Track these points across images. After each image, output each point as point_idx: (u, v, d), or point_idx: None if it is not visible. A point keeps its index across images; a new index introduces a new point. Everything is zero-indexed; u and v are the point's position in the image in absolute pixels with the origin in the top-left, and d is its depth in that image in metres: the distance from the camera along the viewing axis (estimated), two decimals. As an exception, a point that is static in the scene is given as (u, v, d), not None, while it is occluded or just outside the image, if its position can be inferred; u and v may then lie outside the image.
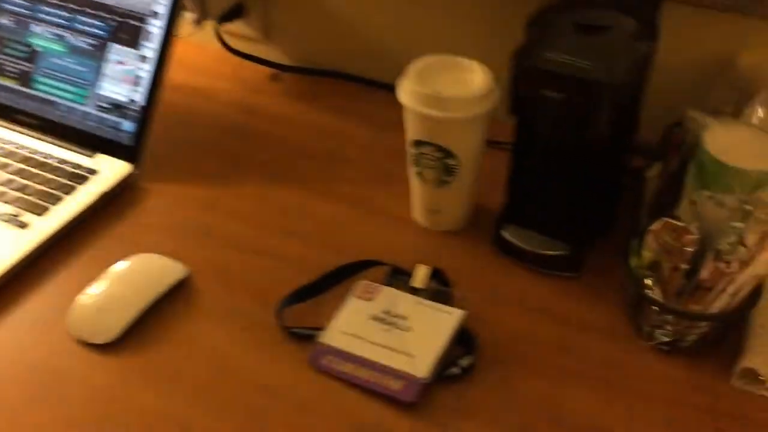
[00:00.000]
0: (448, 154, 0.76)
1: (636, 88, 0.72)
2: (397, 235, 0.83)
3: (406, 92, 0.75)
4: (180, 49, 0.91)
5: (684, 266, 0.66)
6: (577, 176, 0.76)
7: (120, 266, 0.75)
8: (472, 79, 0.76)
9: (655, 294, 0.68)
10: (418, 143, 0.77)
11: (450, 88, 0.74)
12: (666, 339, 0.70)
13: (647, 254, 0.68)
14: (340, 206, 0.86)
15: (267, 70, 1.08)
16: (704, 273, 0.65)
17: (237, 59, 1.08)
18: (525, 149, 0.77)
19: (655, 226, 0.66)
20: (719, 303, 0.66)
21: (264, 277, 0.77)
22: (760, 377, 0.66)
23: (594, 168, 0.75)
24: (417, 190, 0.82)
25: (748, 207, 0.66)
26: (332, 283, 0.75)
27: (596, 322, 0.73)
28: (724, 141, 0.70)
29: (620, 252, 0.72)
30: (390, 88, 0.80)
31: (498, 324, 0.73)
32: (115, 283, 0.74)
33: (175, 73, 0.92)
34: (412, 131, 0.77)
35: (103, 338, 0.70)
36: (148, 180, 0.88)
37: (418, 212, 0.84)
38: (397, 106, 0.77)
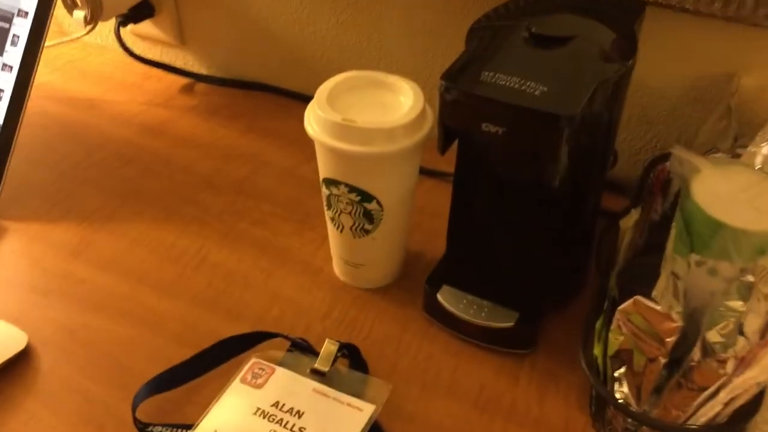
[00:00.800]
0: (366, 197, 0.59)
1: (605, 118, 0.55)
2: (310, 294, 0.66)
3: (313, 119, 0.59)
4: (73, 54, 0.75)
5: (663, 360, 0.50)
6: (530, 228, 0.60)
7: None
8: (399, 103, 0.59)
9: (625, 389, 0.52)
10: (329, 182, 0.60)
11: (369, 114, 0.58)
12: (639, 448, 0.53)
13: (615, 340, 0.52)
14: (243, 254, 0.70)
15: (179, 80, 0.91)
16: (690, 373, 0.48)
17: (144, 67, 0.91)
18: (465, 193, 0.61)
19: (626, 305, 0.50)
20: (709, 410, 0.49)
21: (129, 351, 0.60)
22: (760, 507, 0.50)
23: (551, 217, 0.59)
24: (334, 239, 0.65)
25: (749, 279, 0.50)
26: (212, 363, 0.58)
27: (549, 418, 0.57)
28: (718, 190, 0.53)
29: (584, 329, 0.56)
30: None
31: (423, 417, 0.56)
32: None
33: (62, 82, 0.75)
34: (323, 168, 0.60)
35: None
36: (5, 216, 0.71)
37: (336, 263, 0.68)
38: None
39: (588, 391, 0.58)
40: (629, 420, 0.53)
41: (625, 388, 0.52)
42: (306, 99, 0.86)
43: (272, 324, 0.63)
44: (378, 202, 0.59)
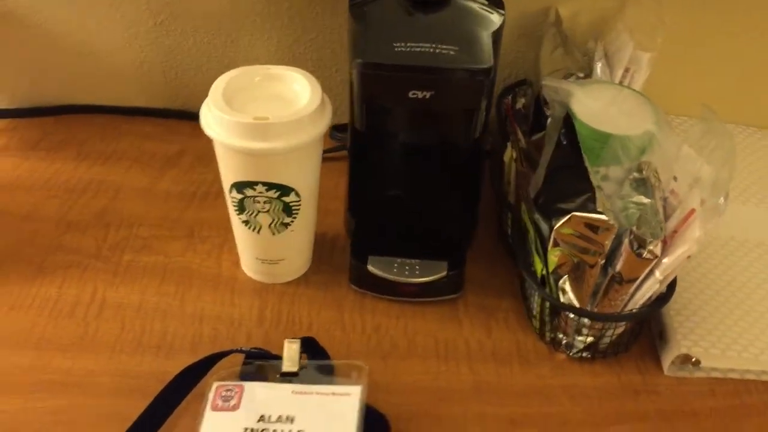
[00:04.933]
0: (285, 191, 0.58)
1: (496, 65, 0.60)
2: (234, 305, 0.63)
3: (214, 123, 0.56)
4: None
5: (602, 262, 0.56)
6: (433, 181, 0.64)
7: None
8: (295, 92, 0.58)
9: (570, 298, 0.59)
10: (241, 186, 0.58)
11: (270, 108, 0.56)
12: (586, 342, 0.61)
13: (554, 257, 0.58)
14: (143, 285, 0.64)
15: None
16: (621, 265, 0.56)
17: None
18: (364, 164, 0.62)
19: (561, 224, 0.56)
20: (647, 291, 0.57)
21: (69, 424, 0.53)
22: (692, 360, 0.60)
23: (457, 168, 0.63)
24: (247, 241, 0.63)
25: (642, 174, 0.59)
26: (174, 401, 0.54)
27: (502, 346, 0.62)
28: (592, 107, 0.61)
29: (508, 254, 0.61)
30: (149, 112, 0.79)
31: (399, 383, 0.58)
32: None
33: None
34: (233, 172, 0.58)
35: None
36: None
37: (248, 266, 0.66)
38: (166, 133, 0.67)
39: (522, 313, 0.64)
40: (578, 323, 0.59)
41: (571, 296, 0.58)
42: (130, 111, 0.80)
43: (210, 345, 0.60)
44: (296, 193, 0.59)
